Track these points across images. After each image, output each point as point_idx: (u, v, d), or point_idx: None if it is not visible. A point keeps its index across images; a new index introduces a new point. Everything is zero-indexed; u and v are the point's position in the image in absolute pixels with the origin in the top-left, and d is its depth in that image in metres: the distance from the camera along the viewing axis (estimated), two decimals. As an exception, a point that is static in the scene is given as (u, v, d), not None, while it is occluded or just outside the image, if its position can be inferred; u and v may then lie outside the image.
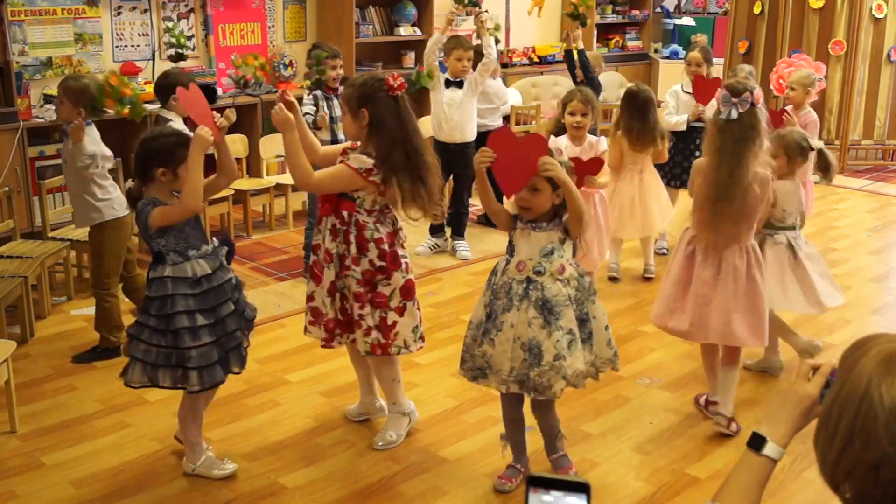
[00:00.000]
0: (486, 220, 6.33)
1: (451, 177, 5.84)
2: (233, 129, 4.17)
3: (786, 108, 5.62)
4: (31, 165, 5.81)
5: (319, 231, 3.36)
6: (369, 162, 3.19)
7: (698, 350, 3.82)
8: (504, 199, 3.39)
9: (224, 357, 3.14)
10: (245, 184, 6.29)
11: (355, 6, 7.42)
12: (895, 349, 1.27)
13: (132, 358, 3.13)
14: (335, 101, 5.17)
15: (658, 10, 10.35)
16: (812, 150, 3.93)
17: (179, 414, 3.31)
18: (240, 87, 6.67)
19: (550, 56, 9.16)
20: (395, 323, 3.33)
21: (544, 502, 1.10)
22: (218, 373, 3.12)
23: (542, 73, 9.00)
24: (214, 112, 3.24)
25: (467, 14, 6.28)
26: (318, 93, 5.25)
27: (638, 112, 4.99)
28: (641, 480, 3.32)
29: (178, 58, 5.98)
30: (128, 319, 4.16)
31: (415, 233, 5.41)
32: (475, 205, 6.31)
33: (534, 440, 3.33)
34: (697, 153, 5.31)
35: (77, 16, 6.20)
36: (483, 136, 4.97)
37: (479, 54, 5.68)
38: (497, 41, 7.81)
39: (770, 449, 1.52)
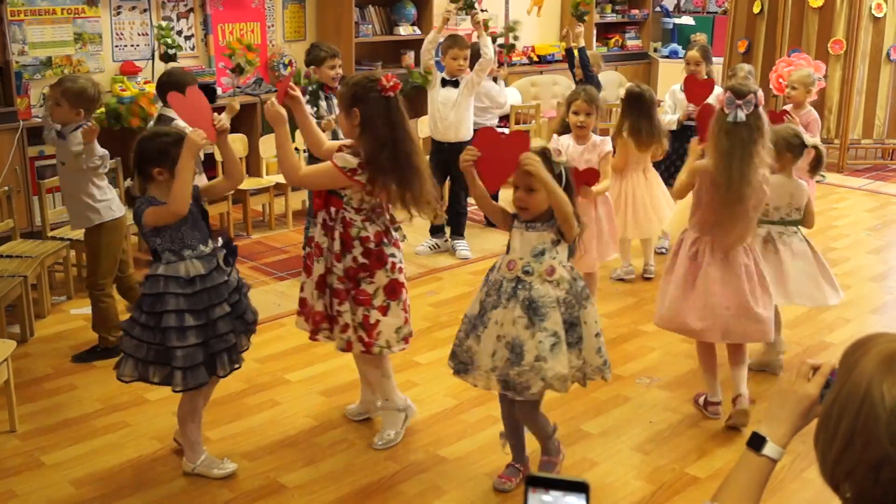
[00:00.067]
0: (491, 221, 6.33)
1: (449, 177, 5.83)
2: (233, 129, 4.17)
3: (786, 107, 5.63)
4: (31, 165, 5.81)
5: (315, 224, 3.39)
6: (353, 161, 3.20)
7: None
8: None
9: (211, 359, 3.14)
10: (245, 183, 6.28)
11: (355, 5, 7.42)
12: None
13: (124, 353, 3.15)
14: (335, 101, 5.18)
15: (657, 9, 10.35)
16: (805, 146, 3.92)
17: (178, 413, 3.31)
18: (237, 75, 6.62)
19: (550, 55, 9.16)
20: (377, 322, 3.32)
21: (543, 502, 1.10)
22: (202, 374, 3.11)
23: (541, 73, 9.00)
24: (215, 114, 3.26)
25: (466, 14, 6.27)
26: (318, 92, 5.25)
27: (645, 112, 4.99)
28: (641, 480, 3.32)
29: (169, 58, 5.93)
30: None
31: (415, 233, 5.42)
32: (473, 205, 6.31)
33: (533, 440, 3.33)
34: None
35: (77, 15, 6.20)
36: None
37: (477, 54, 5.68)
38: (516, 38, 7.82)
39: (770, 449, 1.52)
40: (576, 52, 6.05)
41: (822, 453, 1.31)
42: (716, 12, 10.36)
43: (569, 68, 6.18)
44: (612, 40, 9.97)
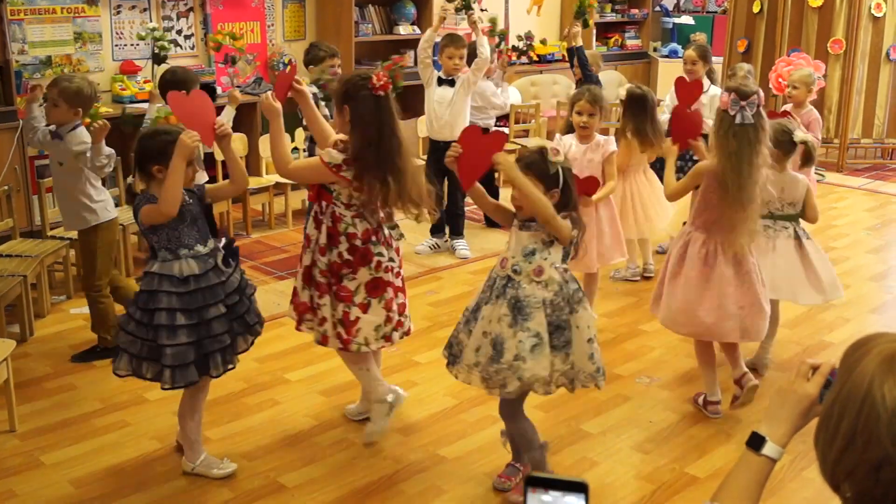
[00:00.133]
0: (490, 222, 6.32)
1: (447, 177, 5.83)
2: (233, 129, 4.17)
3: (786, 107, 5.62)
4: (31, 164, 5.81)
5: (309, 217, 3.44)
6: (339, 157, 3.22)
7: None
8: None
9: (204, 359, 3.13)
10: (244, 183, 6.28)
11: (354, 5, 7.42)
12: None
13: (119, 347, 3.17)
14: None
15: (657, 8, 10.35)
16: (795, 142, 3.91)
17: (179, 411, 3.31)
18: (232, 65, 6.58)
19: (550, 55, 9.16)
20: (357, 319, 3.33)
21: (543, 502, 1.10)
22: (192, 373, 3.11)
23: (541, 72, 9.00)
24: (219, 119, 3.27)
25: (464, 14, 6.27)
26: (317, 91, 5.24)
27: (648, 113, 4.99)
28: (641, 479, 3.32)
29: (160, 60, 5.89)
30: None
31: (415, 232, 5.41)
32: (470, 205, 6.30)
33: (533, 439, 3.33)
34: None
35: (76, 15, 6.20)
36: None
37: (474, 53, 5.68)
38: (501, 35, 7.80)
39: (769, 448, 1.52)
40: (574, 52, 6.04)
41: (822, 453, 1.31)
42: (715, 12, 10.36)
43: (570, 68, 6.19)
44: (612, 40, 9.97)
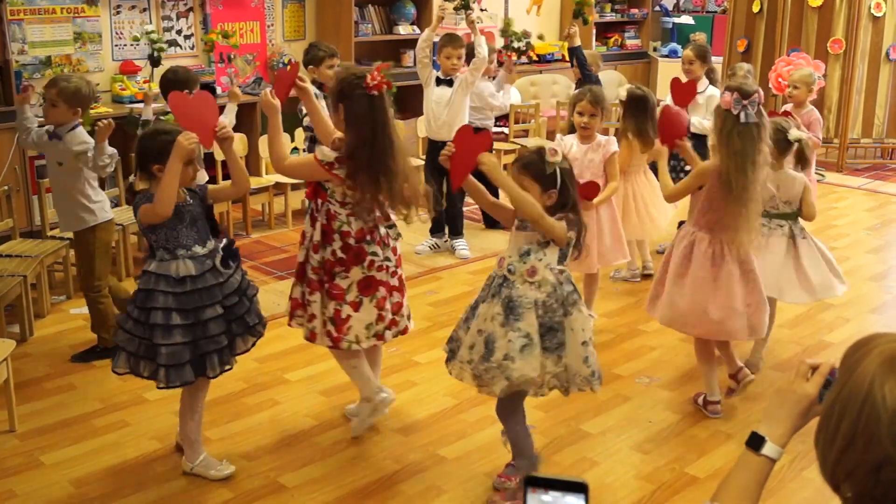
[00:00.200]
0: (490, 222, 6.32)
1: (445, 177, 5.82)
2: (233, 129, 4.17)
3: (786, 107, 5.62)
4: (31, 164, 5.81)
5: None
6: (331, 155, 3.23)
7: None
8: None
9: (200, 359, 3.13)
10: (244, 183, 6.28)
11: (354, 5, 7.42)
12: None
13: (117, 345, 3.18)
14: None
15: (657, 8, 10.35)
16: (790, 140, 3.91)
17: (180, 411, 3.31)
18: (229, 62, 6.57)
19: (549, 55, 9.16)
20: (348, 317, 3.34)
21: (543, 502, 1.10)
22: (187, 373, 3.10)
23: (540, 72, 9.00)
24: (221, 120, 3.27)
25: (463, 13, 6.26)
26: (316, 91, 5.24)
27: (649, 115, 4.99)
28: (641, 479, 3.32)
29: (157, 62, 5.89)
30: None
31: (415, 232, 5.41)
32: (469, 204, 6.31)
33: (534, 439, 3.33)
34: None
35: (76, 15, 6.20)
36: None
37: (472, 53, 5.68)
38: (520, 39, 7.82)
39: (769, 448, 1.52)
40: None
41: (822, 453, 1.31)
42: (715, 11, 10.36)
43: (571, 67, 6.19)
44: (612, 39, 9.97)
